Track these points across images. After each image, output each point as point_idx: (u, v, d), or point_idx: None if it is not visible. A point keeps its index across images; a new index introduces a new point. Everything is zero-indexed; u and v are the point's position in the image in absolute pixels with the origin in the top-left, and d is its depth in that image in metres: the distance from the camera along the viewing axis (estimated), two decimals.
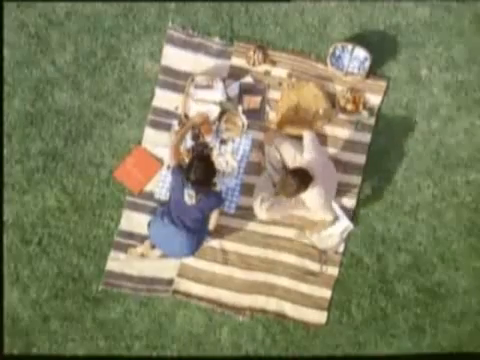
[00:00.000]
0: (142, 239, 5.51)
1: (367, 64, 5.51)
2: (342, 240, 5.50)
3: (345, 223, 5.46)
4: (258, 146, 5.57)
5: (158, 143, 5.60)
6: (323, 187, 4.97)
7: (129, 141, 5.62)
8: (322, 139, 5.57)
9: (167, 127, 5.61)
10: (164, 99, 5.63)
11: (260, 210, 5.23)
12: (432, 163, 5.60)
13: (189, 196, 4.91)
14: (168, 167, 5.56)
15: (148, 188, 5.56)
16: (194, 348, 5.53)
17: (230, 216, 5.58)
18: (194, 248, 5.11)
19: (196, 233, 5.04)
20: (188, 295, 5.51)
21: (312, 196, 4.97)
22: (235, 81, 5.64)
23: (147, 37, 5.70)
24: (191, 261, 5.51)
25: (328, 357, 5.49)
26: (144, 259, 5.50)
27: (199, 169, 4.82)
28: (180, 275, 5.52)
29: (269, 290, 5.52)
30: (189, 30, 5.71)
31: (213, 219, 5.21)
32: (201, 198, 4.91)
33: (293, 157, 5.24)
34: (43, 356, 5.53)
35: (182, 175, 4.93)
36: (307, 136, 5.19)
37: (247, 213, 5.51)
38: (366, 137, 5.59)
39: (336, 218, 5.44)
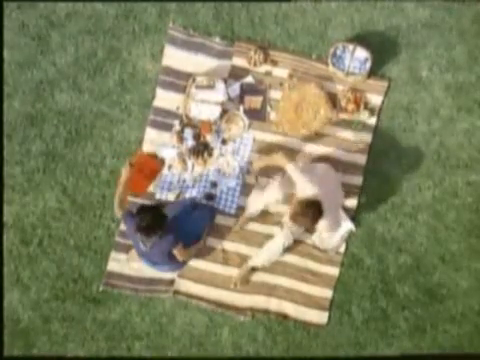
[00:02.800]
0: None
1: (368, 64, 5.51)
2: (343, 240, 5.50)
3: (347, 226, 5.47)
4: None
5: (159, 143, 5.60)
6: (332, 215, 5.02)
7: (130, 142, 5.62)
8: (323, 139, 5.59)
9: (168, 127, 5.61)
10: (165, 99, 5.64)
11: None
12: (433, 164, 5.60)
13: (142, 242, 4.87)
14: (169, 167, 5.57)
15: (149, 188, 5.53)
16: (194, 348, 5.51)
17: (230, 216, 5.57)
18: (181, 265, 5.34)
19: (173, 260, 5.12)
20: (189, 295, 5.50)
21: (325, 226, 5.03)
22: (236, 81, 5.65)
23: (148, 38, 5.71)
24: (191, 261, 5.50)
25: (328, 357, 5.48)
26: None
27: (146, 218, 4.73)
28: (180, 275, 5.50)
29: (270, 290, 5.51)
30: (190, 30, 5.72)
31: (184, 255, 5.19)
32: (155, 241, 4.84)
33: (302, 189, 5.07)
34: (43, 357, 5.52)
35: (133, 222, 4.85)
36: (290, 170, 5.02)
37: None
38: (367, 137, 5.59)
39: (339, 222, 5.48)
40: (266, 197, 5.29)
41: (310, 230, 4.92)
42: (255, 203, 5.40)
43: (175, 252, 5.04)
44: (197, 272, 5.52)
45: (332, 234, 5.41)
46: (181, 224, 5.17)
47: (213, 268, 5.53)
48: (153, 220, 4.74)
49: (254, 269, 5.47)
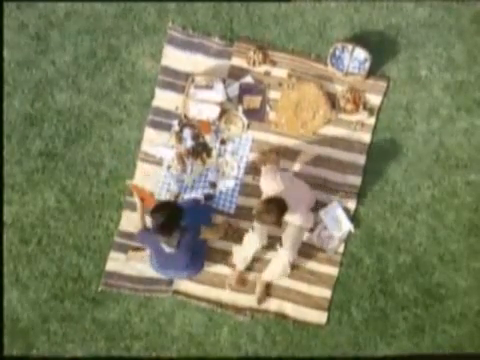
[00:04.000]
0: None
1: (367, 64, 5.51)
2: (342, 240, 5.50)
3: (346, 226, 5.47)
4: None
5: (158, 143, 5.60)
6: (300, 210, 5.09)
7: (129, 141, 5.62)
8: (322, 139, 5.59)
9: (167, 127, 5.62)
10: (164, 99, 5.64)
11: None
12: (432, 163, 5.59)
13: (167, 244, 4.84)
14: (168, 167, 5.58)
15: (148, 188, 5.52)
16: (194, 348, 5.51)
17: (230, 216, 5.57)
18: (199, 267, 5.30)
19: (193, 260, 5.09)
20: (188, 295, 5.51)
21: (296, 218, 5.11)
22: (235, 81, 5.65)
23: (147, 37, 5.71)
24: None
25: (328, 357, 5.48)
26: (144, 261, 5.48)
27: (162, 215, 4.71)
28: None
29: (269, 290, 5.52)
30: (189, 30, 5.72)
31: (212, 233, 5.32)
32: (179, 237, 4.84)
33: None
34: (43, 357, 5.52)
35: (150, 232, 4.91)
36: (263, 172, 5.21)
37: (247, 213, 5.50)
38: (366, 137, 5.59)
39: (338, 222, 5.50)
40: (249, 250, 5.33)
41: (278, 225, 4.92)
42: (241, 257, 5.41)
43: (205, 235, 5.14)
44: None
45: (331, 233, 5.43)
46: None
47: (213, 268, 5.53)
48: (170, 214, 4.74)
49: (248, 269, 5.50)
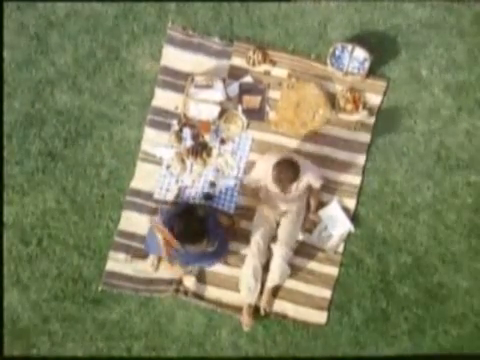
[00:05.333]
0: (141, 240, 5.50)
1: (367, 64, 5.50)
2: (341, 240, 5.49)
3: (346, 226, 5.46)
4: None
5: (158, 143, 5.60)
6: (309, 167, 5.25)
7: (129, 141, 5.63)
8: (321, 139, 5.59)
9: (167, 127, 5.61)
10: (164, 99, 5.64)
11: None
12: (433, 164, 5.58)
13: (200, 248, 4.87)
14: (167, 167, 5.58)
15: (147, 188, 5.57)
16: (194, 348, 5.52)
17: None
18: (227, 248, 5.38)
19: (219, 245, 5.10)
20: (188, 295, 5.50)
21: (311, 178, 5.24)
22: (235, 81, 5.64)
23: (147, 37, 5.71)
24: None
25: (328, 357, 5.48)
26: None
27: (187, 227, 4.75)
28: (180, 275, 5.51)
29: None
30: (189, 30, 5.72)
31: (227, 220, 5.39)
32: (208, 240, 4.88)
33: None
34: (43, 357, 5.53)
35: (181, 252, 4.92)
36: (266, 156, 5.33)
37: (247, 213, 5.51)
38: (366, 137, 5.58)
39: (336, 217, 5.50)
40: (250, 269, 5.38)
41: (296, 179, 4.97)
42: (246, 287, 5.41)
43: (222, 221, 5.26)
44: (197, 271, 5.53)
45: (331, 233, 5.43)
46: None
47: (213, 267, 5.51)
48: (196, 228, 4.77)
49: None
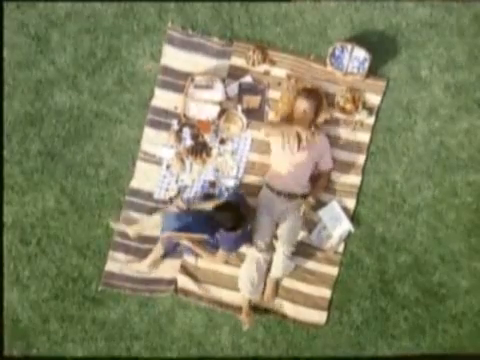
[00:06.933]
0: (141, 239, 5.51)
1: (366, 64, 5.50)
2: (341, 240, 5.50)
3: (346, 226, 5.46)
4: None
5: (158, 143, 5.60)
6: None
7: (129, 141, 5.63)
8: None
9: (166, 127, 5.61)
10: (164, 99, 5.63)
11: None
12: (432, 164, 5.59)
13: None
14: (167, 167, 5.58)
15: (147, 188, 5.56)
16: (194, 348, 5.52)
17: None
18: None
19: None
20: (188, 295, 5.51)
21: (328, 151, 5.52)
22: (235, 81, 5.64)
23: (147, 37, 5.70)
24: (192, 260, 5.51)
25: (328, 357, 5.48)
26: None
27: (229, 218, 5.00)
28: (180, 275, 5.51)
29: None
30: (189, 30, 5.71)
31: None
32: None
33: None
34: (43, 357, 5.53)
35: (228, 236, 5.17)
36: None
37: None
38: (365, 137, 5.58)
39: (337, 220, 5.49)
40: (252, 267, 5.40)
41: (322, 100, 5.43)
42: (247, 281, 5.40)
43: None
44: (197, 271, 5.54)
45: (331, 233, 5.43)
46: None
47: (213, 267, 5.53)
48: (236, 215, 5.02)
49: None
